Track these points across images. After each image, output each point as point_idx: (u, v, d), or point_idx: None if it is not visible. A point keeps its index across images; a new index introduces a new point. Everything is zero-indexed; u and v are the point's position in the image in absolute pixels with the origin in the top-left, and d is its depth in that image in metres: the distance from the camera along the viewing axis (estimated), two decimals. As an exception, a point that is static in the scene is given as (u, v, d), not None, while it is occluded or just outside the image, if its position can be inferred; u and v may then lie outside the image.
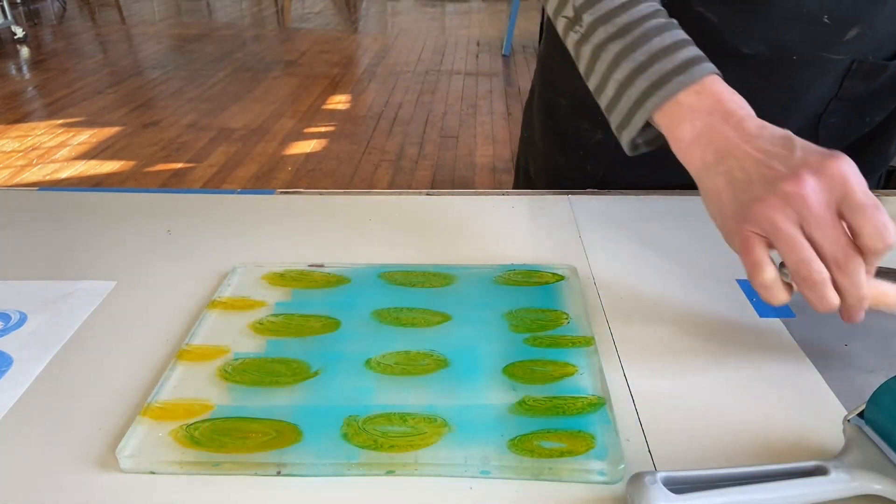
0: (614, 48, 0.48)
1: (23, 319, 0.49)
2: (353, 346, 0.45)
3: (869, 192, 0.38)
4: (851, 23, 0.57)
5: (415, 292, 0.50)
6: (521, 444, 0.36)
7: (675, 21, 0.49)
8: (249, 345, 0.45)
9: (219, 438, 0.37)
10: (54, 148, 2.96)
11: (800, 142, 0.42)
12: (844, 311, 0.40)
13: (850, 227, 0.39)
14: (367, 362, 0.43)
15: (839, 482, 0.33)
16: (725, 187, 0.43)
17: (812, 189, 0.38)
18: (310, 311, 0.48)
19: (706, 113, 0.45)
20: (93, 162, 2.83)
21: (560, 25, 0.53)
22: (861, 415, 0.35)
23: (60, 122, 3.27)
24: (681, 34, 0.47)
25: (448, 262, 0.55)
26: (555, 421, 0.38)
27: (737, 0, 0.57)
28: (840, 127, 0.66)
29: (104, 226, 0.62)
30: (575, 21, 0.50)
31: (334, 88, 3.81)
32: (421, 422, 0.38)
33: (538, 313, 0.48)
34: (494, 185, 2.64)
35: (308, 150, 2.96)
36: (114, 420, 0.40)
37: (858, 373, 0.43)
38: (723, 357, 0.45)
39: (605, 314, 0.49)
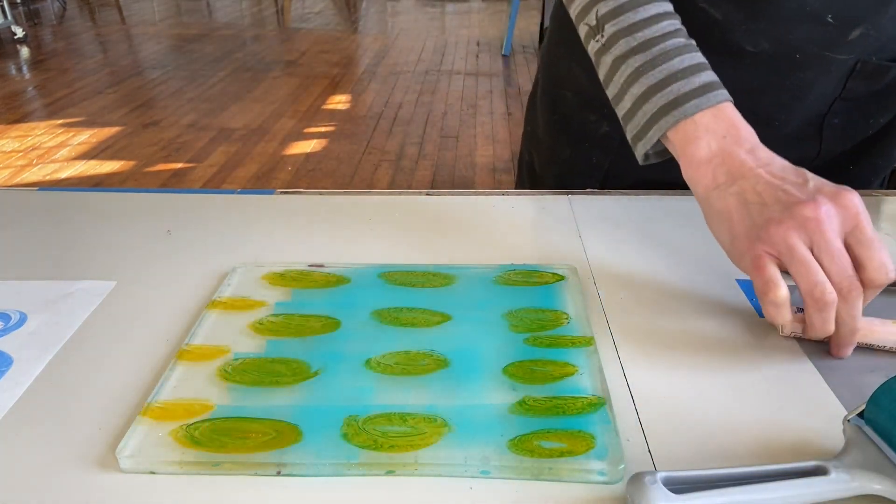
0: (634, 63, 0.49)
1: (23, 319, 0.49)
2: (353, 346, 0.45)
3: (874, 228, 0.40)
4: (855, 23, 0.57)
5: (415, 292, 0.50)
6: (521, 444, 0.36)
7: (694, 43, 0.49)
8: (249, 345, 0.45)
9: (219, 438, 0.37)
10: (54, 148, 2.96)
11: (811, 174, 0.43)
12: (836, 342, 0.42)
13: (855, 259, 0.40)
14: (367, 362, 0.43)
15: (839, 482, 0.33)
16: (738, 208, 0.44)
17: (828, 216, 0.40)
18: (310, 311, 0.48)
19: (721, 136, 0.46)
20: (93, 162, 2.83)
21: (582, 32, 0.54)
22: (861, 415, 0.35)
23: (60, 122, 3.27)
24: (700, 57, 0.48)
25: (448, 262, 0.55)
26: (555, 421, 0.38)
27: None
28: (844, 128, 0.66)
29: (104, 226, 0.62)
30: (597, 30, 0.51)
31: (334, 88, 3.81)
32: (421, 422, 0.38)
33: (538, 313, 0.48)
34: (494, 185, 2.64)
35: (308, 150, 2.96)
36: (114, 420, 0.40)
37: (858, 373, 0.43)
38: (723, 357, 0.45)
39: (605, 314, 0.49)
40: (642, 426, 0.39)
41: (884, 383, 0.34)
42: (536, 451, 0.36)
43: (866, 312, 0.42)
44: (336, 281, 0.52)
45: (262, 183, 2.63)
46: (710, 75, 0.48)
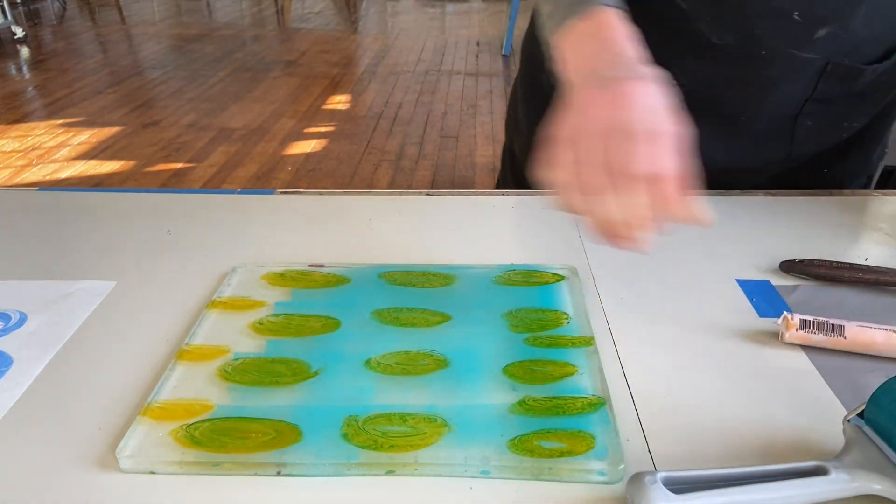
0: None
1: (23, 319, 0.49)
2: (353, 346, 0.45)
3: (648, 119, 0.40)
4: (822, 22, 0.57)
5: (415, 292, 0.50)
6: (521, 444, 0.36)
7: None
8: (249, 345, 0.45)
9: (219, 438, 0.37)
10: (54, 148, 2.96)
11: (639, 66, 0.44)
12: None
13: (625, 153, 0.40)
14: (367, 362, 0.43)
15: (839, 482, 0.33)
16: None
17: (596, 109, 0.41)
18: (310, 311, 0.48)
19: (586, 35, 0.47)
20: (93, 162, 2.83)
21: None
22: (861, 415, 0.35)
23: (60, 122, 3.27)
24: None
25: (448, 262, 0.55)
26: (555, 421, 0.38)
27: None
28: (817, 129, 0.66)
29: (104, 226, 0.62)
30: None
31: (334, 88, 3.81)
32: (421, 422, 0.38)
33: (538, 313, 0.48)
34: (494, 185, 2.64)
35: (308, 150, 2.96)
36: (114, 420, 0.40)
37: (858, 373, 0.43)
38: (723, 357, 0.45)
39: (605, 314, 0.49)
40: (642, 426, 0.39)
41: (884, 383, 0.34)
42: (536, 451, 0.36)
43: (867, 317, 0.42)
44: (336, 281, 0.52)
45: (262, 183, 2.63)
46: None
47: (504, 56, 4.54)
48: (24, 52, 4.51)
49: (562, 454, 0.36)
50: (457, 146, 3.02)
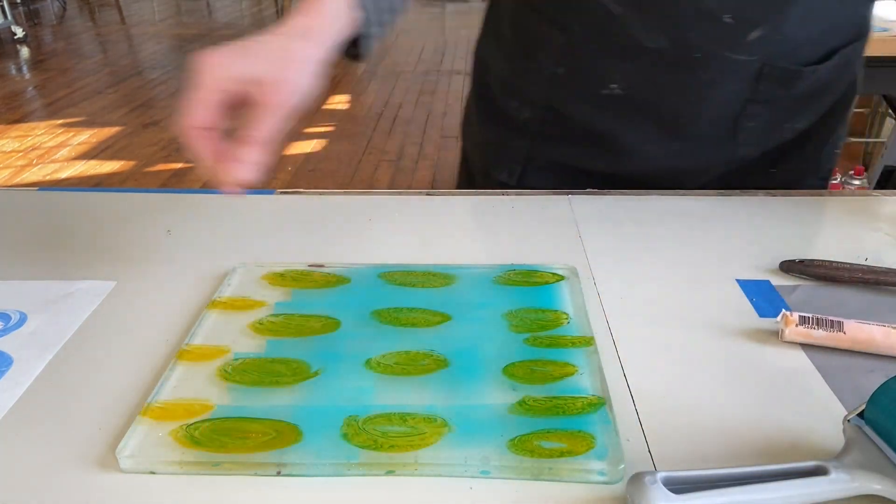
0: None
1: (23, 319, 0.49)
2: (352, 346, 0.45)
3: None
4: (754, 24, 0.57)
5: (415, 292, 0.50)
6: (521, 444, 0.36)
7: None
8: (249, 345, 0.45)
9: (219, 438, 0.37)
10: (54, 148, 2.96)
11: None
12: None
13: None
14: (367, 362, 0.43)
15: (839, 482, 0.33)
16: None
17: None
18: (310, 311, 0.48)
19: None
20: (93, 162, 2.83)
21: None
22: (861, 415, 0.35)
23: (60, 122, 3.27)
24: None
25: (448, 262, 0.55)
26: (555, 421, 0.38)
27: None
28: (760, 131, 0.66)
29: (104, 226, 0.62)
30: None
31: (334, 88, 3.81)
32: (421, 422, 0.38)
33: (538, 313, 0.48)
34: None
35: (308, 151, 2.96)
36: (114, 420, 0.40)
37: (858, 372, 0.43)
38: (723, 357, 0.45)
39: (605, 314, 0.49)
40: (642, 426, 0.39)
41: (884, 383, 0.34)
42: (536, 451, 0.36)
43: (868, 317, 0.42)
44: (336, 281, 0.52)
45: (261, 183, 2.63)
46: None
47: (504, 56, 4.53)
48: (24, 52, 4.51)
49: (562, 454, 0.36)
50: (457, 146, 3.02)
